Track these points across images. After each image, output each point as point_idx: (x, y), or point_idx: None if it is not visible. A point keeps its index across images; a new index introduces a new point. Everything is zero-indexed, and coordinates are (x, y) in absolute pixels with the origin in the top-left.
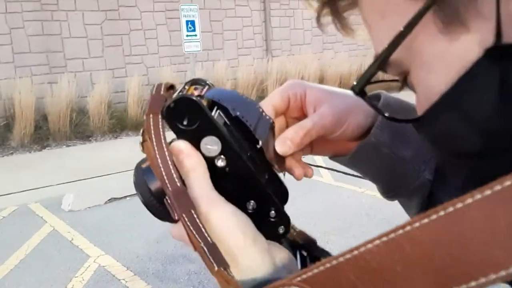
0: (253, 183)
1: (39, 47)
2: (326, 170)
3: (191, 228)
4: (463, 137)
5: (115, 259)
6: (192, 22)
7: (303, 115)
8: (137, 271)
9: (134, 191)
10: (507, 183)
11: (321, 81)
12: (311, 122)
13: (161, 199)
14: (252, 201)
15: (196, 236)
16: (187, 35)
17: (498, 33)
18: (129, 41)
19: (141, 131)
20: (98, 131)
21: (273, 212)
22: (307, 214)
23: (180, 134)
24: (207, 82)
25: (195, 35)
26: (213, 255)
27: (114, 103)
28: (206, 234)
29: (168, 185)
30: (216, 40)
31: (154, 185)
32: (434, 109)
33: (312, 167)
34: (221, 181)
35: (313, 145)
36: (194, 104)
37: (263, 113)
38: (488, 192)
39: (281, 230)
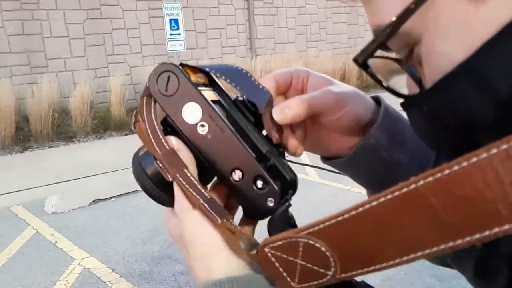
0: (237, 150)
1: (20, 47)
2: (312, 168)
3: (187, 186)
4: (476, 108)
5: (100, 261)
6: (176, 21)
7: None
8: (122, 272)
9: (119, 192)
10: (504, 146)
11: None
12: (311, 94)
13: (159, 182)
14: (237, 171)
15: (193, 193)
16: (170, 34)
17: None
18: (112, 40)
19: (134, 112)
20: (81, 132)
21: (260, 182)
22: (293, 212)
23: (164, 103)
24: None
25: (179, 34)
26: (214, 209)
27: (96, 103)
28: (202, 190)
29: (158, 150)
30: (200, 38)
31: (151, 170)
32: (448, 79)
33: (298, 165)
34: (205, 149)
35: (308, 133)
36: (173, 69)
37: (261, 86)
38: (494, 150)
39: (270, 203)
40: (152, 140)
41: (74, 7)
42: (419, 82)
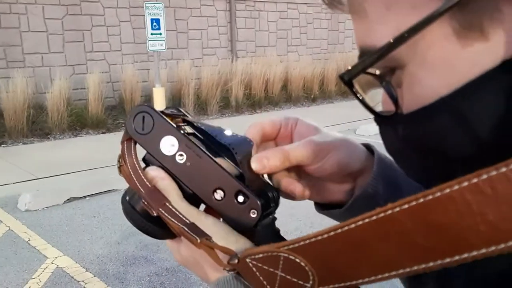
0: (215, 171)
1: None
2: None
3: (170, 217)
4: (454, 141)
5: (73, 260)
6: (157, 21)
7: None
8: (96, 272)
9: (94, 191)
10: (484, 176)
11: (286, 82)
12: (291, 147)
13: (150, 217)
14: (219, 190)
15: (175, 222)
16: (151, 34)
17: None
18: (91, 37)
19: (118, 157)
20: (56, 129)
21: (241, 196)
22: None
23: (141, 140)
24: (183, 111)
25: (160, 34)
26: (193, 231)
27: (74, 100)
28: (183, 218)
29: (141, 189)
30: (181, 39)
31: (139, 207)
32: (428, 110)
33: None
34: (186, 176)
35: (300, 178)
36: (147, 110)
37: (242, 136)
38: (465, 183)
39: (252, 214)
40: (135, 180)
41: (53, 2)
42: (395, 101)
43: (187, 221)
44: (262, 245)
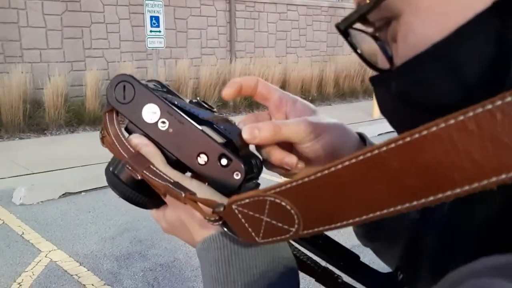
0: (198, 137)
1: None
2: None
3: (154, 178)
4: (444, 89)
5: (67, 254)
6: (157, 18)
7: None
8: (90, 267)
9: (89, 186)
10: (470, 113)
11: (284, 84)
12: (284, 122)
13: (134, 185)
14: (202, 154)
15: (159, 180)
16: (150, 31)
17: None
18: (90, 34)
19: (100, 129)
20: (53, 124)
21: (224, 160)
22: None
23: (122, 108)
24: (162, 83)
25: (159, 31)
26: (178, 187)
27: (71, 96)
28: (167, 177)
29: (125, 155)
30: (180, 38)
31: (124, 175)
32: (420, 58)
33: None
34: (169, 143)
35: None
36: (129, 79)
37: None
38: (451, 121)
39: (236, 176)
40: (119, 148)
41: None
42: (390, 58)
43: (171, 180)
44: (248, 192)
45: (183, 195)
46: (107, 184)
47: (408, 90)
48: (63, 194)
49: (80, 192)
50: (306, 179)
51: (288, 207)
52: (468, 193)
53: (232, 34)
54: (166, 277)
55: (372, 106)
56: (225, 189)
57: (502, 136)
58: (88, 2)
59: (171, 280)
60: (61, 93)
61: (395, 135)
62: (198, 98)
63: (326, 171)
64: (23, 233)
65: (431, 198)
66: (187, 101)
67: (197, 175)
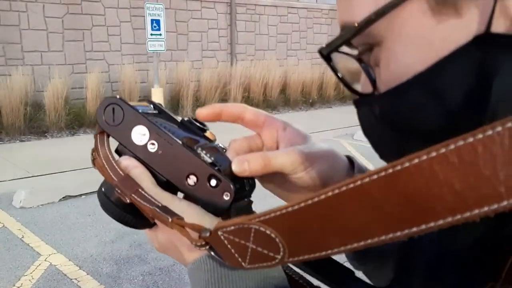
0: (187, 158)
1: None
2: None
3: (143, 202)
4: (427, 116)
5: (67, 258)
6: (157, 21)
7: (276, 147)
8: (90, 270)
9: (90, 190)
10: (451, 146)
11: (284, 87)
12: (274, 153)
13: (125, 207)
14: (191, 176)
15: (147, 205)
16: (151, 34)
17: (489, 24)
18: (91, 37)
19: (91, 151)
20: (54, 127)
21: (213, 180)
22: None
23: (112, 131)
24: (154, 102)
25: (160, 35)
26: (165, 212)
27: (72, 99)
28: (155, 201)
29: (114, 178)
30: (181, 40)
31: (114, 197)
32: (404, 87)
33: None
34: (158, 164)
35: (274, 183)
36: (118, 102)
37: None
38: (433, 153)
39: (225, 197)
40: (108, 171)
41: (54, 0)
42: (373, 82)
43: (159, 204)
44: (233, 219)
45: (170, 220)
46: None
47: (391, 116)
48: (63, 197)
49: (81, 195)
50: (290, 209)
51: (273, 235)
52: (451, 224)
53: (232, 37)
54: (166, 281)
55: None
56: (215, 209)
57: (484, 169)
58: (89, 5)
59: (170, 284)
60: (62, 95)
61: None
62: (190, 117)
63: (310, 201)
64: (23, 237)
65: (415, 229)
66: (179, 120)
67: (188, 196)
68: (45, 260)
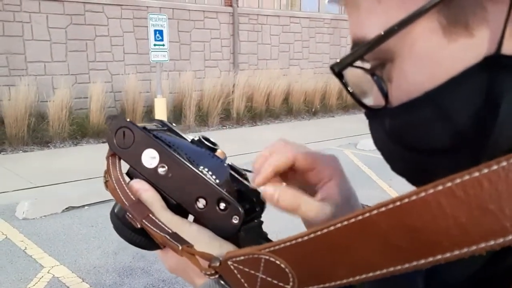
0: (196, 181)
1: None
2: None
3: (154, 228)
4: (434, 134)
5: (70, 270)
6: (160, 32)
7: (304, 181)
8: (92, 282)
9: (93, 200)
10: (457, 180)
11: (287, 96)
12: (308, 201)
13: (137, 229)
14: (201, 199)
15: (158, 231)
16: (154, 44)
17: (499, 44)
18: (94, 47)
19: (104, 173)
20: (57, 137)
21: (222, 203)
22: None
23: (123, 154)
24: (163, 121)
25: (163, 45)
26: (175, 239)
27: (75, 109)
28: (166, 227)
29: (126, 202)
30: (184, 50)
31: (125, 219)
32: (413, 104)
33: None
34: (168, 187)
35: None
36: (126, 124)
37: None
38: (440, 187)
39: (234, 220)
40: (120, 194)
41: (57, 11)
42: (385, 95)
43: (169, 231)
44: (244, 248)
45: (180, 248)
46: (110, 198)
47: (400, 131)
48: (66, 208)
49: (84, 206)
50: (300, 239)
51: (283, 265)
52: (458, 257)
53: (235, 47)
54: None
55: None
56: (224, 233)
57: (489, 203)
58: (93, 16)
59: None
60: (65, 105)
61: None
62: (200, 136)
63: (319, 232)
64: (25, 248)
65: (422, 261)
66: (189, 139)
67: (198, 219)
68: (48, 272)
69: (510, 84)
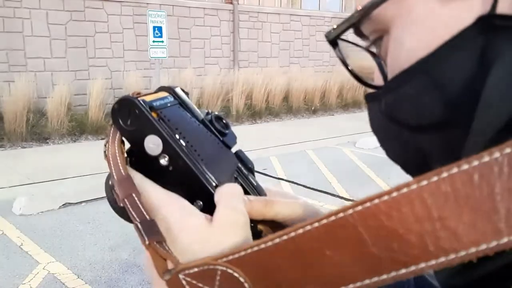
0: (197, 182)
1: None
2: (286, 182)
3: (131, 210)
4: (429, 106)
5: (66, 267)
6: (160, 28)
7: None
8: (88, 279)
9: (90, 197)
10: (444, 174)
11: (287, 94)
12: (277, 201)
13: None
14: (199, 201)
15: (134, 215)
16: (153, 41)
17: (493, 5)
18: (94, 43)
19: (105, 141)
20: (56, 134)
21: None
22: None
23: (125, 134)
24: (176, 90)
25: (162, 42)
26: (145, 230)
27: (74, 105)
28: (144, 213)
29: (114, 175)
30: (183, 47)
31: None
32: (406, 74)
33: (273, 179)
34: (167, 180)
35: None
36: (135, 105)
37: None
38: (424, 182)
39: None
40: (112, 166)
41: (57, 7)
42: (385, 76)
43: (146, 217)
44: (197, 260)
45: (147, 242)
46: None
47: (393, 107)
48: (63, 205)
49: (81, 202)
50: (263, 245)
51: (241, 279)
52: (444, 265)
53: (235, 44)
54: None
55: None
56: None
57: (480, 201)
58: (92, 12)
59: None
60: (64, 102)
61: None
62: (212, 116)
63: (285, 237)
64: (21, 244)
65: (403, 271)
66: (202, 114)
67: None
68: (43, 269)
69: (505, 47)
